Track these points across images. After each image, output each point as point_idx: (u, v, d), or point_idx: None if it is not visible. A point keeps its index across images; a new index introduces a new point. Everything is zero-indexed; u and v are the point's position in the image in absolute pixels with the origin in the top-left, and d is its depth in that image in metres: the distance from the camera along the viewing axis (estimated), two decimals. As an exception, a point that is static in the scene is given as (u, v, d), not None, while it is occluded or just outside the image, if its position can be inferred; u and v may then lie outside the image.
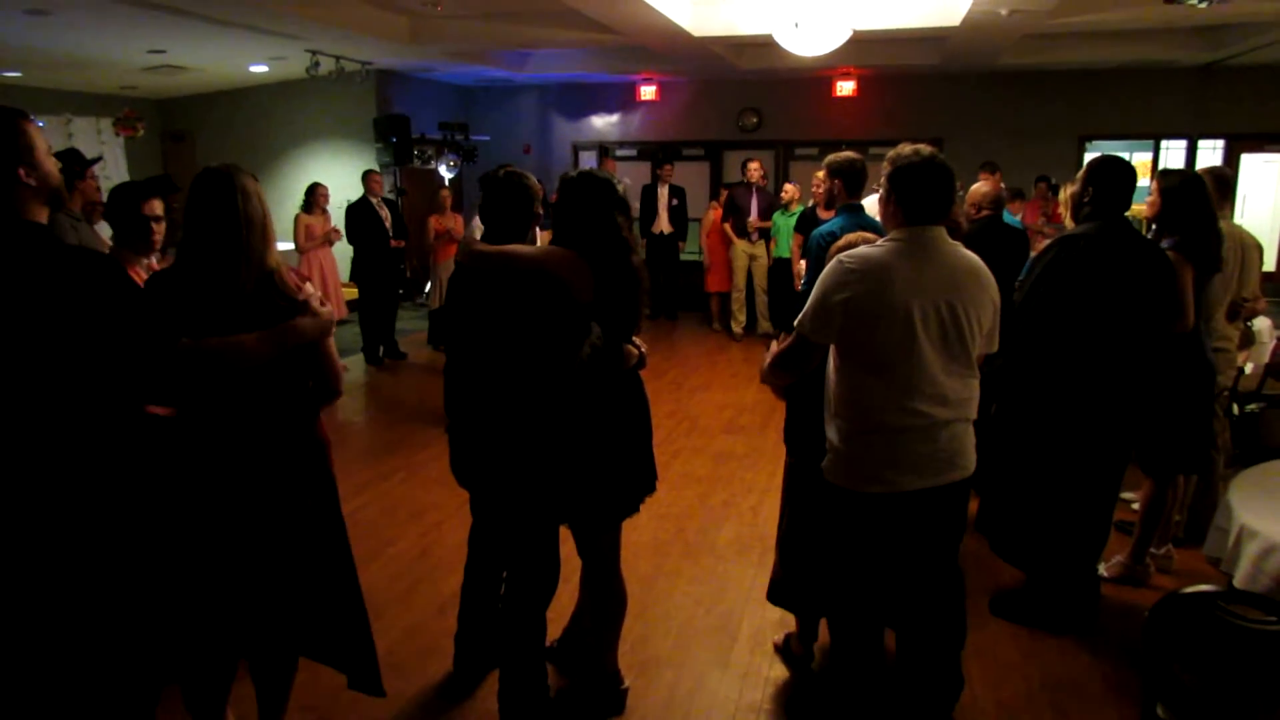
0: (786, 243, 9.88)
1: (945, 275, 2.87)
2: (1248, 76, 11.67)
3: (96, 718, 2.31)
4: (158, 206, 3.57)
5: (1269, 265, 11.46)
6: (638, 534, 4.73)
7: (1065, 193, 4.10)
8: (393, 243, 9.60)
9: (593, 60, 12.22)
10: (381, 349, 9.77)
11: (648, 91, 13.77)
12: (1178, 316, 3.96)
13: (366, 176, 9.61)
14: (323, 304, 2.78)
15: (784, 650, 3.81)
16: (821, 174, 4.38)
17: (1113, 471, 3.92)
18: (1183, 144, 12.62)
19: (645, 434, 3.25)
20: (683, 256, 12.16)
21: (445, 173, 12.82)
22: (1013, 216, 7.66)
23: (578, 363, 2.94)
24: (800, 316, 2.95)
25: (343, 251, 9.85)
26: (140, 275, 3.43)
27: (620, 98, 14.10)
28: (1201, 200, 4.10)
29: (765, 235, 10.79)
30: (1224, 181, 4.78)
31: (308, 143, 13.28)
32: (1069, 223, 4.05)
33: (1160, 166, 12.37)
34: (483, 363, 3.01)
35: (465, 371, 3.10)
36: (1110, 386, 3.75)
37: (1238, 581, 3.19)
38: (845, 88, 13.04)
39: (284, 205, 11.00)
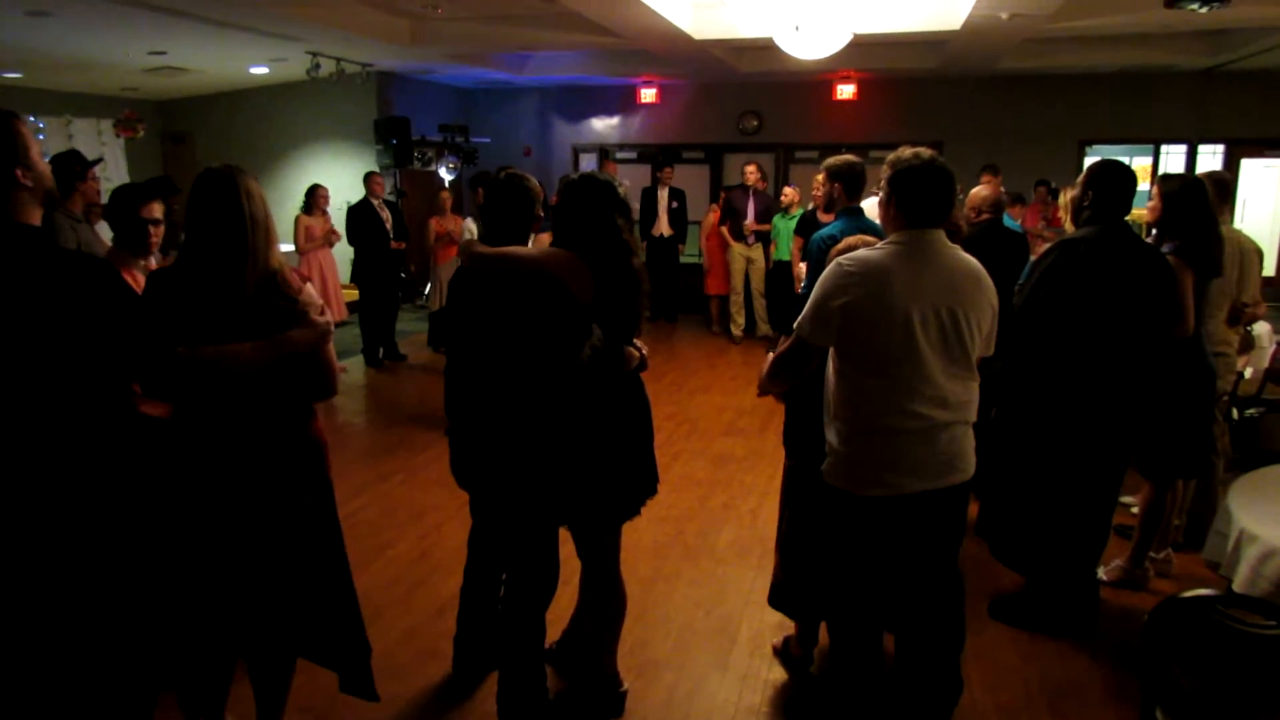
0: (787, 246, 9.88)
1: (944, 278, 2.87)
2: (1248, 81, 11.69)
3: None
4: (156, 209, 3.57)
5: (1269, 270, 11.47)
6: (637, 536, 4.73)
7: (1065, 197, 4.10)
8: (393, 244, 9.60)
9: (593, 63, 12.22)
10: (381, 351, 9.77)
11: (648, 94, 13.77)
12: (1178, 321, 3.96)
13: (368, 178, 9.61)
14: (321, 312, 2.77)
15: (783, 653, 3.81)
16: (821, 177, 4.37)
17: (1112, 475, 3.93)
18: (1183, 149, 12.62)
19: (646, 436, 3.25)
20: (682, 259, 12.16)
21: (445, 174, 12.83)
22: (1013, 220, 7.65)
23: (578, 364, 2.94)
24: (799, 319, 2.95)
25: (343, 253, 9.85)
26: (138, 278, 3.43)
27: (620, 100, 14.11)
28: (1202, 204, 4.10)
29: (763, 238, 10.80)
30: (1224, 186, 4.78)
31: (308, 144, 13.28)
32: (1069, 227, 4.05)
33: (1160, 171, 12.37)
34: (483, 364, 3.01)
35: (466, 373, 3.10)
36: (1110, 390, 3.75)
37: (1237, 586, 3.19)
38: (846, 91, 13.06)
39: (284, 207, 11.00)
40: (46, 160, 2.34)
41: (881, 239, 3.03)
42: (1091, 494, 3.88)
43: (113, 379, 2.21)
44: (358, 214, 9.47)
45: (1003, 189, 7.07)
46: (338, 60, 10.90)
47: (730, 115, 13.78)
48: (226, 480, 2.65)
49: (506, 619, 3.17)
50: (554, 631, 3.58)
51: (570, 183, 3.13)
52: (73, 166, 4.57)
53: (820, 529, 3.21)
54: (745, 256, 10.97)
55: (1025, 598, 4.10)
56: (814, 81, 12.96)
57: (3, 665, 2.13)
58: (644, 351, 3.19)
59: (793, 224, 9.54)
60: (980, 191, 5.53)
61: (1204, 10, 6.95)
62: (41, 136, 11.48)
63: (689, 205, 12.12)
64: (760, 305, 11.12)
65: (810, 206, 7.67)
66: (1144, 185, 4.58)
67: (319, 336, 2.73)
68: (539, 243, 3.20)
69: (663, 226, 11.83)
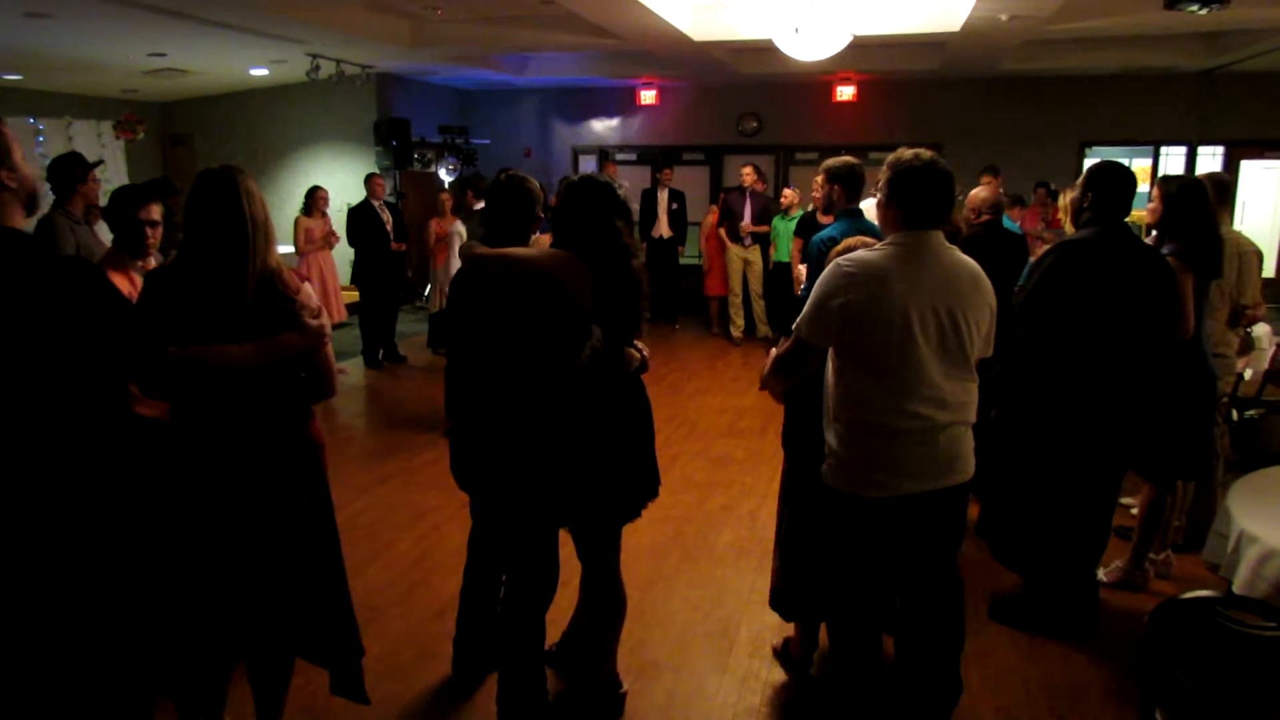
0: (786, 247, 9.88)
1: (943, 279, 2.87)
2: (1248, 83, 11.69)
3: None
4: (155, 211, 3.56)
5: (1268, 271, 11.46)
6: (637, 538, 4.72)
7: (1065, 198, 4.11)
8: (393, 246, 9.61)
9: (593, 64, 12.23)
10: (381, 352, 9.77)
11: (648, 96, 13.77)
12: (1177, 322, 3.96)
13: (369, 179, 9.62)
14: (315, 315, 2.76)
15: (782, 654, 3.81)
16: (820, 179, 4.37)
17: (1112, 477, 3.93)
18: (1183, 150, 12.63)
19: (647, 438, 3.25)
20: (682, 260, 12.16)
21: (445, 176, 12.84)
22: (1012, 222, 7.66)
23: (578, 366, 2.94)
24: (798, 320, 2.95)
25: (343, 254, 9.85)
26: (135, 279, 3.43)
27: (620, 102, 14.12)
28: (1202, 206, 4.11)
29: (761, 240, 10.80)
30: (1223, 188, 4.78)
31: (308, 146, 13.29)
32: (1069, 228, 4.05)
33: (1160, 173, 12.38)
34: (484, 366, 3.00)
35: (466, 374, 3.10)
36: (1109, 391, 3.75)
37: (1237, 587, 3.19)
38: (845, 92, 13.06)
39: (284, 208, 11.01)
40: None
41: (880, 240, 3.03)
42: (1091, 495, 3.88)
43: (101, 381, 2.19)
44: (358, 215, 9.48)
45: (1002, 190, 7.08)
46: (337, 62, 10.90)
47: (730, 117, 13.79)
48: (224, 481, 2.65)
49: (506, 620, 3.16)
50: (554, 633, 3.57)
51: (570, 184, 3.13)
52: (73, 169, 4.59)
53: (819, 530, 3.21)
54: (742, 258, 10.97)
55: (1025, 599, 4.10)
56: (814, 83, 12.97)
57: (1, 669, 2.13)
58: (645, 353, 3.19)
59: (792, 225, 9.54)
60: (980, 193, 5.53)
61: (1204, 12, 6.96)
62: (41, 138, 11.50)
63: (689, 207, 12.13)
64: (759, 307, 11.12)
65: (810, 208, 7.67)
66: (1144, 187, 4.58)
67: (312, 340, 2.72)
68: (538, 244, 3.19)
69: (662, 228, 11.83)
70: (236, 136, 13.35)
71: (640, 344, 3.17)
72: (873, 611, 3.13)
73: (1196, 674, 2.72)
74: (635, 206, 11.29)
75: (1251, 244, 4.78)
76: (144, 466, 2.51)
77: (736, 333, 11.22)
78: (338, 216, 9.78)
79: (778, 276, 10.29)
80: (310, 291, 2.78)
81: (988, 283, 2.99)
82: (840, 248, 3.25)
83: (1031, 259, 4.50)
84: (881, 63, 11.37)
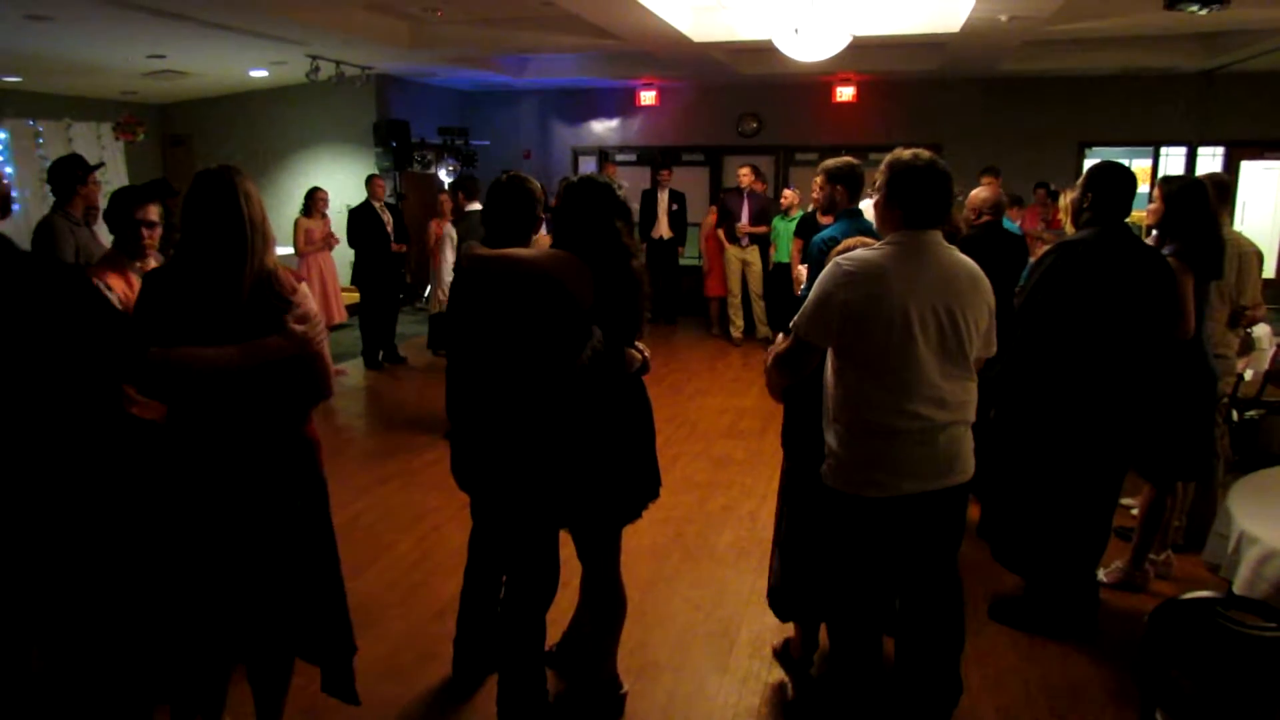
0: (786, 248, 9.89)
1: (942, 279, 2.87)
2: (1248, 83, 11.68)
3: None
4: (152, 212, 3.55)
5: (1268, 272, 11.45)
6: (637, 538, 4.72)
7: (1065, 199, 4.10)
8: (394, 247, 9.61)
9: (592, 65, 12.23)
10: (381, 353, 9.78)
11: (647, 96, 13.77)
12: (1178, 323, 3.96)
13: (370, 180, 9.63)
14: (304, 320, 2.73)
15: (782, 655, 3.80)
16: (819, 180, 4.37)
17: (1112, 477, 3.92)
18: (1183, 151, 12.62)
19: (648, 439, 3.24)
20: (682, 261, 12.17)
21: (445, 177, 12.84)
22: (1011, 222, 7.65)
23: (578, 367, 2.94)
24: (797, 319, 2.95)
25: (343, 255, 9.85)
26: (132, 280, 3.43)
27: (620, 102, 14.11)
28: (1203, 205, 4.11)
29: (759, 240, 10.80)
30: (1223, 188, 4.79)
31: (307, 147, 13.29)
32: (1069, 229, 4.05)
33: (1160, 173, 12.38)
34: (484, 366, 3.00)
35: (467, 375, 3.10)
36: (1110, 392, 3.75)
37: (1237, 588, 3.19)
38: (845, 93, 13.06)
39: (284, 209, 11.02)
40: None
41: (880, 240, 3.03)
42: (1091, 496, 3.88)
43: (85, 382, 2.17)
44: (359, 216, 9.48)
45: (1001, 191, 7.07)
46: (337, 63, 10.91)
47: (730, 117, 13.78)
48: (220, 481, 2.65)
49: (506, 621, 3.16)
50: (554, 633, 3.57)
51: (570, 185, 3.13)
52: (73, 171, 4.60)
53: (819, 530, 3.21)
54: (741, 259, 10.97)
55: (1025, 600, 4.10)
56: (813, 83, 12.97)
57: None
58: (646, 354, 3.19)
59: (792, 226, 9.55)
60: (980, 193, 5.53)
61: (1204, 12, 6.96)
62: (41, 140, 11.50)
63: (689, 207, 12.13)
64: (759, 308, 11.12)
65: (810, 208, 7.67)
66: (1144, 188, 4.58)
67: (295, 345, 2.69)
68: (538, 244, 3.19)
69: (662, 229, 11.83)
70: (236, 138, 13.36)
71: (641, 345, 3.17)
72: (873, 612, 3.13)
73: (1197, 674, 2.72)
74: (635, 207, 11.29)
75: (1252, 244, 4.78)
76: (140, 468, 2.50)
77: (736, 333, 11.22)
78: (337, 218, 9.78)
79: (778, 277, 10.30)
80: (307, 292, 2.77)
81: (986, 282, 2.99)
82: (840, 248, 3.25)
83: (1031, 259, 4.50)
84: (881, 63, 11.37)
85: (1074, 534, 3.89)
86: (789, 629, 3.82)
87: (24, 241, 5.64)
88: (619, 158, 14.33)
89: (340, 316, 9.46)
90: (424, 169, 13.07)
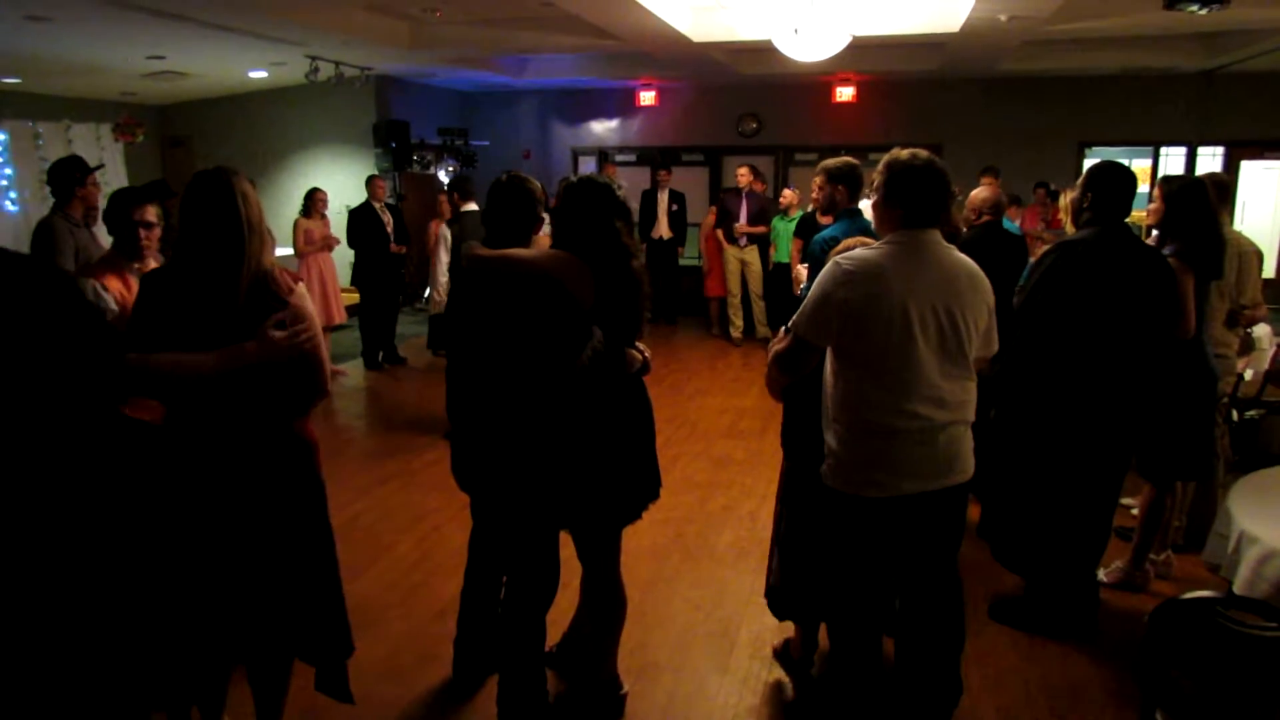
0: (786, 248, 9.89)
1: (941, 278, 2.87)
2: (1248, 83, 11.69)
3: None
4: (150, 213, 3.54)
5: (1268, 272, 11.46)
6: (637, 539, 4.72)
7: (1066, 199, 4.10)
8: (393, 248, 9.61)
9: (592, 65, 12.23)
10: (381, 354, 9.78)
11: (647, 97, 13.77)
12: (1178, 322, 3.96)
13: (370, 181, 9.63)
14: (288, 324, 2.69)
15: (783, 655, 3.80)
16: (819, 180, 4.37)
17: (1112, 477, 3.92)
18: (1183, 151, 12.62)
19: (648, 440, 3.24)
20: (682, 261, 12.18)
21: (445, 178, 12.84)
22: (1011, 222, 7.65)
23: (579, 367, 2.94)
24: (796, 318, 2.95)
25: (343, 256, 9.85)
26: (131, 282, 3.42)
27: (619, 103, 14.12)
28: (1204, 204, 4.11)
29: (759, 240, 10.80)
30: (1223, 188, 4.79)
31: (307, 148, 13.30)
32: (1070, 229, 4.05)
33: (1160, 173, 12.38)
34: (484, 367, 3.00)
35: (467, 375, 3.10)
36: (1110, 392, 3.75)
37: (1237, 587, 3.19)
38: (845, 93, 13.06)
39: (283, 210, 11.02)
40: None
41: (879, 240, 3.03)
42: (1092, 496, 3.88)
43: (62, 385, 2.13)
44: (359, 217, 9.48)
45: (1001, 191, 7.07)
46: (336, 64, 10.90)
47: (729, 117, 13.79)
48: (217, 482, 2.64)
49: (507, 621, 3.16)
50: (554, 634, 3.57)
51: (569, 185, 3.12)
52: (72, 172, 4.60)
53: (819, 531, 3.21)
54: (739, 259, 10.97)
55: (1025, 600, 4.10)
56: (813, 83, 12.97)
57: None
58: (647, 355, 3.19)
59: (792, 226, 9.55)
60: (980, 193, 5.53)
61: (1204, 12, 6.96)
62: (40, 142, 11.50)
63: (688, 208, 12.13)
64: (759, 308, 11.12)
65: (809, 208, 7.67)
66: (1144, 187, 4.58)
67: (270, 353, 2.64)
68: (538, 244, 3.19)
69: (662, 229, 11.84)
70: (236, 139, 13.36)
71: (642, 345, 3.17)
72: (873, 612, 3.13)
73: (1197, 674, 2.71)
74: (635, 207, 11.27)
75: (1252, 244, 4.78)
76: (137, 469, 2.49)
77: (736, 334, 11.22)
78: (337, 219, 9.78)
79: (778, 277, 10.30)
80: (304, 292, 2.77)
81: (986, 281, 2.99)
82: (840, 247, 3.25)
83: (1031, 259, 4.50)
84: (881, 63, 11.37)
85: (1074, 534, 3.89)
86: (789, 629, 3.82)
87: (23, 243, 5.65)
88: (619, 158, 14.34)
89: (340, 317, 9.46)
90: (424, 170, 13.07)
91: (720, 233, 11.03)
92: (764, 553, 3.85)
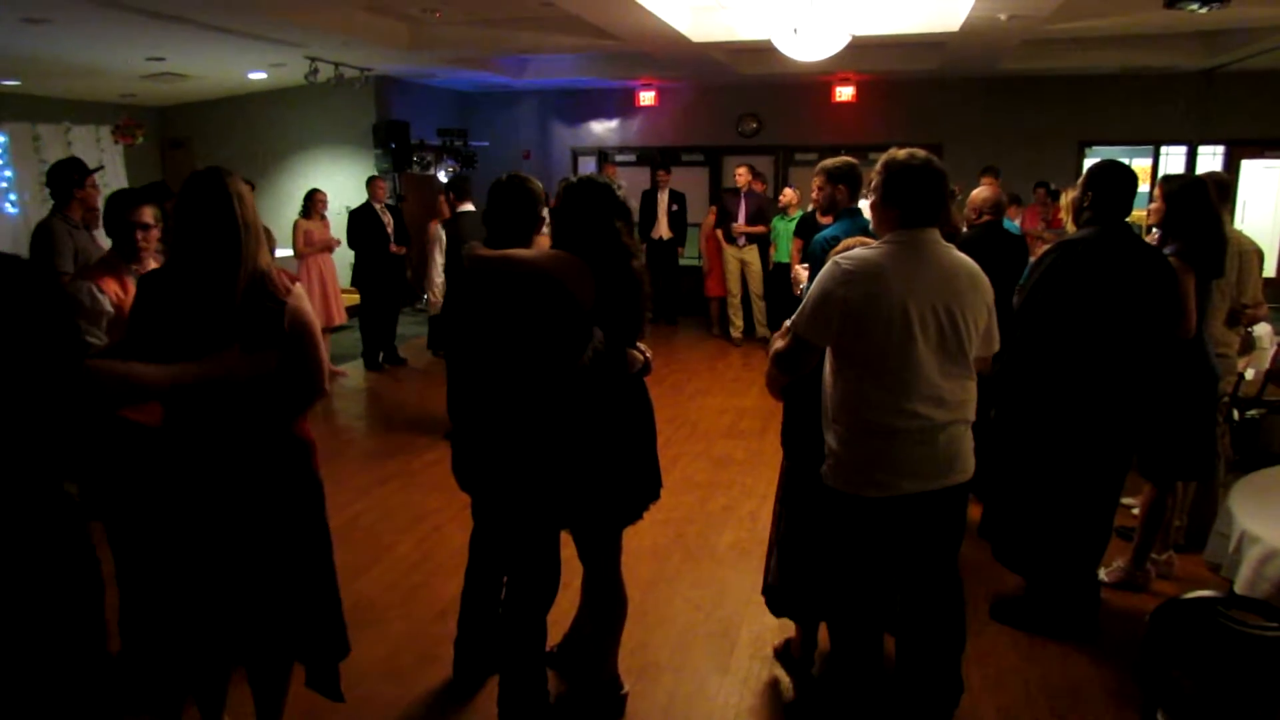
0: (786, 248, 9.88)
1: (941, 278, 2.87)
2: (1248, 82, 11.68)
3: None
4: (146, 214, 3.53)
5: (1269, 271, 11.45)
6: (638, 539, 4.72)
7: (1067, 198, 4.10)
8: (393, 248, 9.61)
9: (592, 66, 12.23)
10: (381, 354, 9.78)
11: (647, 97, 13.77)
12: (1179, 322, 3.96)
13: (371, 182, 9.63)
14: (297, 317, 2.68)
15: (783, 655, 3.80)
16: (819, 180, 4.36)
17: (1113, 477, 3.92)
18: (1183, 150, 12.62)
19: (649, 440, 3.24)
20: (682, 261, 12.18)
21: (444, 178, 12.84)
22: (1011, 222, 7.64)
23: (580, 367, 2.93)
24: (795, 317, 2.94)
25: (343, 257, 9.85)
26: (129, 284, 3.42)
27: (619, 103, 14.11)
28: (1205, 203, 4.11)
29: (759, 240, 10.80)
30: (1223, 187, 4.78)
31: (307, 149, 13.29)
32: (1071, 228, 4.05)
33: (1161, 172, 12.37)
34: (485, 367, 3.00)
35: (468, 376, 3.09)
36: (1111, 391, 3.75)
37: (1238, 587, 3.19)
38: (845, 93, 13.06)
39: (283, 211, 11.02)
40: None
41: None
42: (1092, 495, 3.88)
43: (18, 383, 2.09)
44: (359, 217, 9.49)
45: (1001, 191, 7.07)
46: (336, 65, 10.90)
47: (729, 117, 13.78)
48: (214, 482, 2.64)
49: (507, 622, 3.16)
50: (555, 634, 3.57)
51: (569, 186, 3.12)
52: (71, 174, 4.60)
53: (819, 530, 3.21)
54: (739, 259, 10.97)
55: (1026, 599, 4.10)
56: (813, 83, 12.96)
57: None
58: (648, 355, 3.18)
59: (792, 226, 9.55)
60: (980, 193, 5.53)
61: (1204, 10, 6.96)
62: (40, 143, 11.50)
63: (688, 208, 12.13)
64: (759, 308, 11.12)
65: (809, 208, 7.66)
66: (1144, 187, 4.57)
67: (240, 370, 2.58)
68: (538, 244, 3.19)
69: (662, 229, 11.84)
70: (235, 140, 13.36)
71: (643, 345, 3.17)
72: (873, 612, 3.13)
73: (1198, 674, 2.71)
74: (634, 206, 11.25)
75: (1252, 243, 4.78)
76: (135, 470, 2.48)
77: (736, 334, 11.22)
78: (337, 219, 9.78)
79: (778, 277, 10.29)
80: (302, 293, 2.76)
81: (986, 280, 2.98)
82: (840, 247, 3.25)
83: (1031, 259, 4.50)
84: (881, 63, 11.37)
85: (1075, 534, 3.89)
86: (790, 629, 3.82)
87: (23, 245, 5.64)
88: (618, 158, 14.33)
89: (340, 318, 9.46)
90: (423, 170, 13.07)
91: (720, 233, 11.03)
92: (764, 552, 3.85)
